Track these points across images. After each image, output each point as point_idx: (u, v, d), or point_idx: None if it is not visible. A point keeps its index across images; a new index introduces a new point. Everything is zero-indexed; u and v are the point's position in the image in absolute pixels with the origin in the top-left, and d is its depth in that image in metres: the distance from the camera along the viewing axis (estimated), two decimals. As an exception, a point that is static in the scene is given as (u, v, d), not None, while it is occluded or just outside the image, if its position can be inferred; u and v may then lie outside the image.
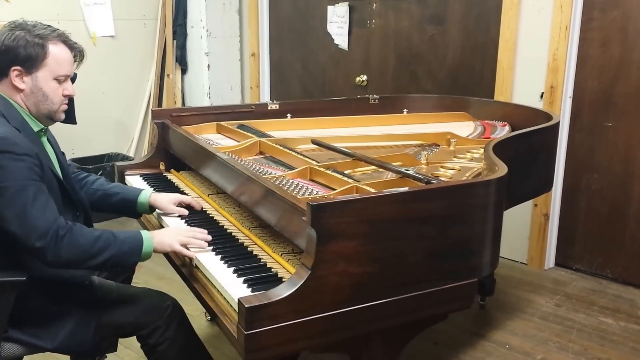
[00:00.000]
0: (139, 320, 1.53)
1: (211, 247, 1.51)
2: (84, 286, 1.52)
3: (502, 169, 1.44)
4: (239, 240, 1.56)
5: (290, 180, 1.65)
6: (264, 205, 1.48)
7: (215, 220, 1.71)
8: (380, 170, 1.75)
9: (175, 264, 1.57)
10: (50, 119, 1.49)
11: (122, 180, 2.13)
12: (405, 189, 1.31)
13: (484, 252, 1.39)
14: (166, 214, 1.71)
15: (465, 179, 1.72)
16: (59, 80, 1.45)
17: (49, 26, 1.45)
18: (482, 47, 3.06)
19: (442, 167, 1.87)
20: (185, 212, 1.71)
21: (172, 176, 2.15)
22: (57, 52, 1.43)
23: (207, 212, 1.77)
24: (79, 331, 1.45)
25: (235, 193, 1.67)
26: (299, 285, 1.18)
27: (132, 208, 1.72)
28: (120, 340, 1.66)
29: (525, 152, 1.96)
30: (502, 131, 2.34)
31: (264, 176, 1.65)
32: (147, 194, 1.73)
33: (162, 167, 2.19)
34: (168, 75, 3.98)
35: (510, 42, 2.91)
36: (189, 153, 2.01)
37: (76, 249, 1.33)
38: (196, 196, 1.91)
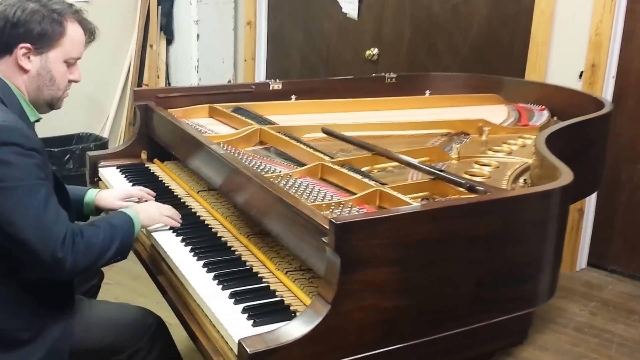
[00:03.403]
0: (117, 342, 1.38)
1: (202, 262, 1.31)
2: (61, 305, 1.35)
3: (566, 175, 1.23)
4: (236, 252, 1.36)
5: (299, 181, 1.44)
6: (267, 214, 1.28)
7: (206, 224, 1.50)
8: (402, 166, 1.55)
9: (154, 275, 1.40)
10: (49, 106, 1.42)
11: (95, 172, 1.91)
12: (451, 201, 1.11)
13: (542, 277, 1.20)
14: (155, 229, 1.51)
15: (508, 179, 1.52)
16: (68, 63, 1.38)
17: (63, 1, 1.38)
18: (513, 18, 2.83)
19: (476, 162, 1.67)
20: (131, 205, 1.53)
21: (156, 167, 1.93)
22: (73, 31, 1.36)
23: (197, 214, 1.56)
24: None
25: (230, 194, 1.46)
26: (316, 324, 0.98)
27: (78, 210, 1.56)
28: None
29: (577, 146, 1.75)
30: (541, 117, 2.14)
31: (265, 175, 1.44)
32: (94, 193, 1.58)
33: (143, 156, 1.97)
34: (151, 46, 3.72)
35: (546, 13, 2.69)
36: (176, 142, 1.79)
37: (92, 251, 1.26)
38: (184, 194, 1.70)
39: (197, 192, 1.68)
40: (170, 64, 3.83)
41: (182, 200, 1.65)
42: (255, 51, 3.80)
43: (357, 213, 1.25)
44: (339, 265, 0.98)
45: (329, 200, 1.33)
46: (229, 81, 3.85)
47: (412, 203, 1.26)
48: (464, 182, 1.33)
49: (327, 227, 1.00)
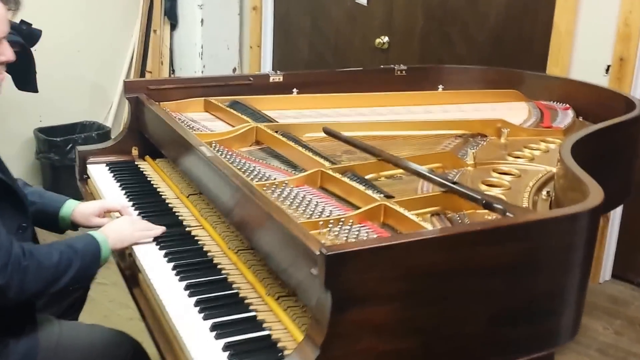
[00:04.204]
0: None
1: (185, 283, 1.17)
2: (22, 324, 1.22)
3: (595, 193, 1.07)
4: (223, 271, 1.21)
5: (295, 190, 1.29)
6: (254, 230, 1.14)
7: (193, 236, 1.36)
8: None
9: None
10: None
11: (84, 169, 1.77)
12: (463, 227, 0.96)
13: (566, 311, 1.04)
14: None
15: (530, 190, 1.36)
16: None
17: None
18: (534, 6, 2.64)
19: (494, 170, 1.51)
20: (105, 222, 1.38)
21: (146, 166, 1.79)
22: None
23: (184, 223, 1.42)
24: None
25: (217, 203, 1.32)
26: (303, 372, 0.84)
27: (53, 223, 1.42)
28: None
29: (606, 152, 1.59)
30: (565, 118, 1.96)
31: (257, 182, 1.29)
32: (71, 206, 1.41)
33: (135, 152, 1.83)
34: (155, 31, 3.57)
35: (569, 1, 2.49)
36: (163, 140, 1.65)
37: (42, 276, 1.14)
38: (173, 197, 1.56)
39: (188, 196, 1.54)
40: (175, 50, 3.67)
41: (169, 205, 1.51)
42: (262, 38, 3.64)
43: (356, 236, 1.09)
44: (329, 303, 0.84)
45: (327, 215, 1.18)
46: (234, 69, 3.69)
47: (420, 221, 1.11)
48: (479, 197, 1.18)
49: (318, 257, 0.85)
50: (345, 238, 1.09)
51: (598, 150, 1.57)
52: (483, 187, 1.40)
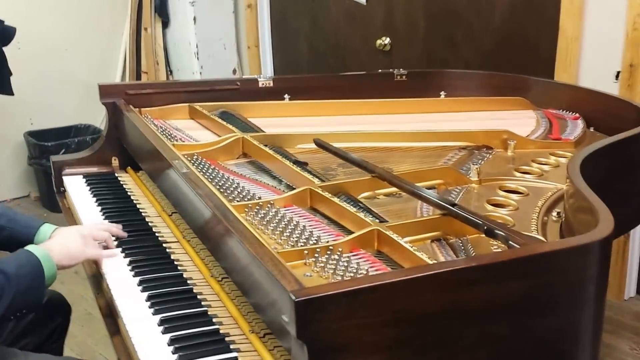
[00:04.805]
0: None
1: (159, 317, 1.06)
2: None
3: (605, 221, 0.96)
4: (203, 303, 1.11)
5: (281, 212, 1.19)
6: (229, 260, 1.03)
7: (173, 260, 1.25)
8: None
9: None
10: None
11: (60, 181, 1.67)
12: (460, 262, 0.85)
13: (580, 354, 0.94)
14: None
15: (539, 212, 1.25)
16: None
17: None
18: (540, 8, 2.53)
19: (500, 187, 1.40)
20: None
21: (128, 178, 1.68)
22: None
23: (163, 245, 1.31)
24: None
25: (191, 225, 1.22)
26: None
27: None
28: None
29: (621, 166, 1.47)
30: (576, 128, 1.85)
31: (239, 202, 1.19)
32: (47, 232, 1.26)
33: (115, 163, 1.73)
34: (145, 29, 3.46)
35: (575, 4, 2.38)
36: (139, 151, 1.54)
37: None
38: (155, 214, 1.45)
39: (170, 214, 1.43)
40: (169, 49, 3.57)
41: (149, 224, 1.40)
42: (259, 37, 3.53)
43: (345, 267, 0.98)
44: (305, 356, 0.73)
45: (316, 241, 1.08)
46: (234, 70, 3.59)
47: (416, 251, 1.00)
48: (480, 222, 1.07)
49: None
50: (332, 271, 0.98)
51: (612, 165, 1.46)
52: (488, 208, 1.30)
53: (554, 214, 1.28)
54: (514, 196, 1.36)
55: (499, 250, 1.06)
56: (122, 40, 3.48)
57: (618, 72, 2.35)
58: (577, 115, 1.94)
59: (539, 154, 1.64)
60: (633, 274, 2.52)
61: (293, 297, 0.72)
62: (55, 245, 1.14)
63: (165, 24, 3.50)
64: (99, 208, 1.48)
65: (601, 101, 1.93)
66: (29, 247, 1.13)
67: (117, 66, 3.50)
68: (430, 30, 2.87)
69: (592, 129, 1.86)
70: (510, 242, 0.99)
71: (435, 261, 0.98)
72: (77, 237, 1.18)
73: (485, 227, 1.05)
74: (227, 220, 1.03)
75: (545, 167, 1.56)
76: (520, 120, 1.91)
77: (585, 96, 1.98)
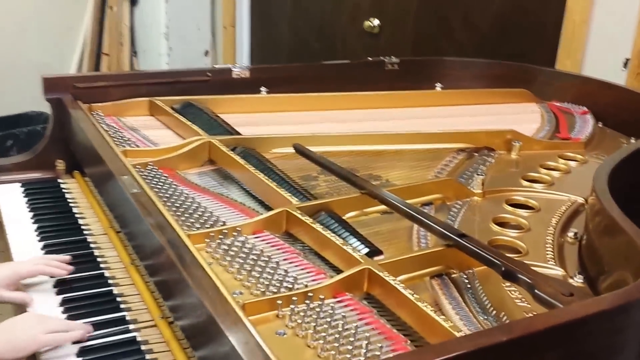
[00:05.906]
0: None
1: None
2: None
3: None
4: (146, 356, 0.90)
5: (250, 242, 0.97)
6: (179, 309, 0.82)
7: (115, 295, 1.03)
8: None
9: None
10: None
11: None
12: (467, 342, 0.65)
13: None
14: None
15: (554, 232, 1.07)
16: None
17: None
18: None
19: (507, 201, 1.21)
20: (27, 299, 1.01)
21: (73, 185, 1.44)
22: None
23: (104, 276, 1.08)
24: None
25: (141, 257, 1.00)
26: None
27: None
28: None
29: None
30: (585, 125, 1.66)
31: (198, 230, 0.97)
32: None
33: (60, 167, 1.49)
34: (111, 8, 3.18)
35: (587, -16, 2.17)
36: (87, 161, 1.31)
37: None
38: (100, 232, 1.22)
39: (118, 232, 1.21)
40: (136, 30, 3.29)
41: (91, 247, 1.17)
42: (236, 16, 3.27)
43: (328, 323, 0.78)
44: None
45: (292, 282, 0.86)
46: (206, 52, 3.33)
47: (415, 298, 0.80)
48: (496, 261, 0.87)
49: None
50: (312, 328, 0.77)
51: (633, 173, 1.27)
52: (495, 229, 1.11)
53: (570, 234, 1.10)
54: (523, 212, 1.17)
55: (521, 301, 0.86)
56: (84, 20, 3.20)
57: (626, 60, 2.17)
58: (585, 109, 1.75)
59: (545, 156, 1.45)
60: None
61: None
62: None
63: (134, 2, 3.22)
64: (35, 226, 1.25)
65: (613, 95, 1.75)
66: None
67: (75, 48, 3.22)
68: (423, 11, 2.65)
69: (600, 124, 1.68)
70: (536, 291, 0.79)
71: (438, 313, 0.78)
72: (33, 323, 0.92)
73: (504, 269, 0.85)
74: (182, 264, 0.81)
75: (555, 174, 1.37)
76: (524, 116, 1.73)
77: (592, 89, 1.79)
